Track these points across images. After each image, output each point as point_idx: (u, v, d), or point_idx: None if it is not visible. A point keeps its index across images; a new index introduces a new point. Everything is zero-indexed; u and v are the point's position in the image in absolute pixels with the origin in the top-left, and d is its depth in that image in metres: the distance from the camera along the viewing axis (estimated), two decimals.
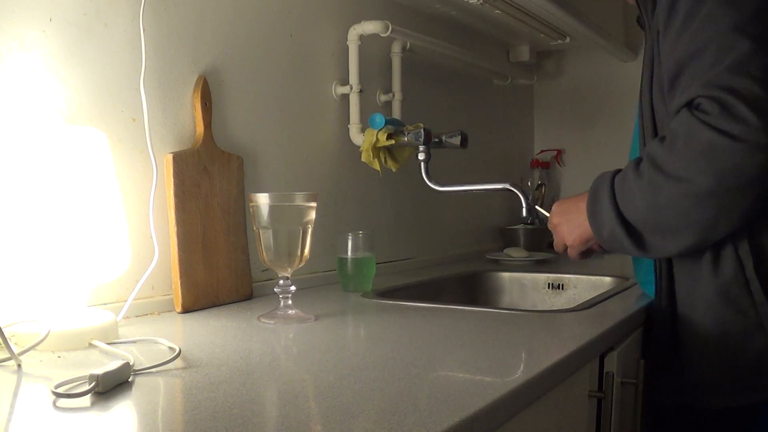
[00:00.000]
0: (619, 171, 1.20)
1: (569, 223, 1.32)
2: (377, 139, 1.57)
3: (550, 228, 1.40)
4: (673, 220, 1.12)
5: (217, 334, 1.05)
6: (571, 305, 1.52)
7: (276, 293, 1.16)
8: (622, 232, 1.17)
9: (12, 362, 0.85)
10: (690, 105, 1.09)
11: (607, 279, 1.74)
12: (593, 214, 1.22)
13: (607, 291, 1.50)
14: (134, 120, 1.19)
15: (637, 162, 1.16)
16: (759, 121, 1.03)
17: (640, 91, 1.29)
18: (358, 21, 1.66)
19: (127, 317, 1.14)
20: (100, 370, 0.74)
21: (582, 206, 1.25)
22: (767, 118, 1.03)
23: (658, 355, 1.27)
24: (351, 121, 1.67)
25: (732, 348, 1.19)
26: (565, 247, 1.36)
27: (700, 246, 1.16)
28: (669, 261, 1.26)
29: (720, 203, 1.08)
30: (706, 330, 1.20)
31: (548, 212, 1.42)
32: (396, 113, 1.80)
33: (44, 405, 0.71)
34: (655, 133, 1.23)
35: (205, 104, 1.30)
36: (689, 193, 1.08)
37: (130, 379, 0.79)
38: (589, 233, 1.25)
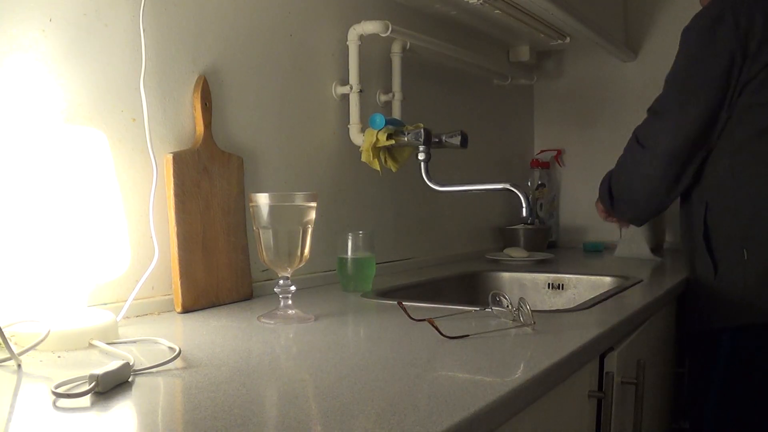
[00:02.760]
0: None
1: (600, 200, 1.96)
2: (377, 139, 1.57)
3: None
4: (634, 184, 1.79)
5: (217, 334, 1.05)
6: (571, 305, 1.52)
7: (276, 293, 1.16)
8: (608, 201, 1.88)
9: (12, 362, 0.85)
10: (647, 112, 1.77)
11: (607, 279, 1.74)
12: (601, 196, 1.91)
13: (607, 291, 1.50)
14: (134, 120, 1.19)
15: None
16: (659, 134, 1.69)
17: None
18: (358, 21, 1.66)
19: (127, 317, 1.14)
20: (100, 370, 0.74)
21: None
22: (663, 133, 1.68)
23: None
24: (351, 121, 1.67)
25: (705, 288, 1.71)
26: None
27: (648, 212, 1.85)
28: (680, 229, 1.85)
29: (628, 199, 1.81)
30: (695, 274, 1.75)
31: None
32: (396, 113, 1.80)
33: (44, 405, 0.71)
34: None
35: (205, 104, 1.30)
36: (646, 181, 1.74)
37: (130, 379, 0.79)
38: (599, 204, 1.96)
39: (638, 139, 1.71)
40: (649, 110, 1.73)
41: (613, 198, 1.81)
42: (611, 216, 1.94)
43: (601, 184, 1.88)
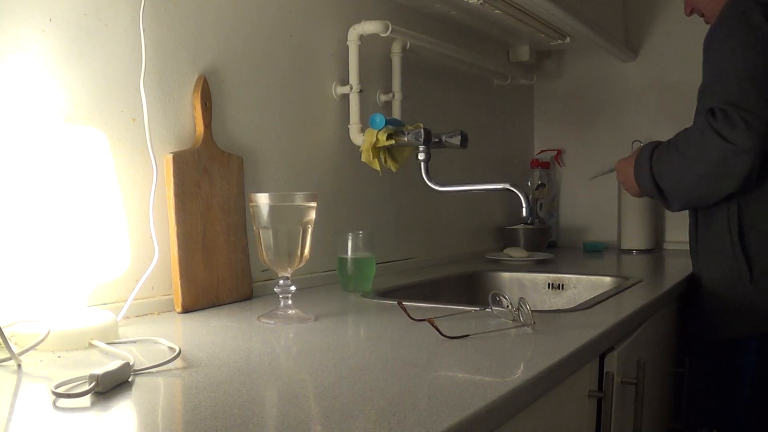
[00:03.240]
0: (658, 144, 1.70)
1: (626, 178, 1.81)
2: (377, 139, 1.57)
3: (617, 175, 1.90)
4: (676, 186, 1.65)
5: (217, 334, 1.05)
6: (571, 305, 1.52)
7: (276, 293, 1.16)
8: (655, 192, 1.71)
9: (12, 362, 0.85)
10: (709, 111, 1.56)
11: (607, 279, 1.74)
12: (638, 174, 1.74)
13: (607, 291, 1.50)
14: (134, 120, 1.19)
15: (668, 142, 1.67)
16: (746, 130, 1.50)
17: None
18: (358, 21, 1.66)
19: (127, 317, 1.14)
20: (100, 370, 0.74)
21: (630, 170, 1.77)
22: (753, 129, 1.50)
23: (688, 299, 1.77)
24: (351, 121, 1.67)
25: (724, 295, 1.68)
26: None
27: (687, 208, 1.75)
28: (696, 230, 1.77)
29: (705, 182, 1.61)
30: (710, 280, 1.71)
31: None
32: (396, 113, 1.80)
33: (44, 405, 0.71)
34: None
35: (205, 104, 1.30)
36: (687, 168, 1.61)
37: (130, 379, 0.79)
38: (632, 183, 1.78)
39: (720, 134, 1.52)
40: (715, 108, 1.55)
41: (662, 190, 1.68)
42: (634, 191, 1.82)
43: (639, 175, 1.73)
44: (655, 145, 1.68)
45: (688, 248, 1.83)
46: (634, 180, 1.75)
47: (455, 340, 0.99)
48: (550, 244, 2.50)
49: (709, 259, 1.73)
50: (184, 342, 0.99)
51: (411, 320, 1.11)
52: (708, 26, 1.72)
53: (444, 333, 1.00)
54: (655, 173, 1.66)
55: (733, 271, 1.65)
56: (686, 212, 1.83)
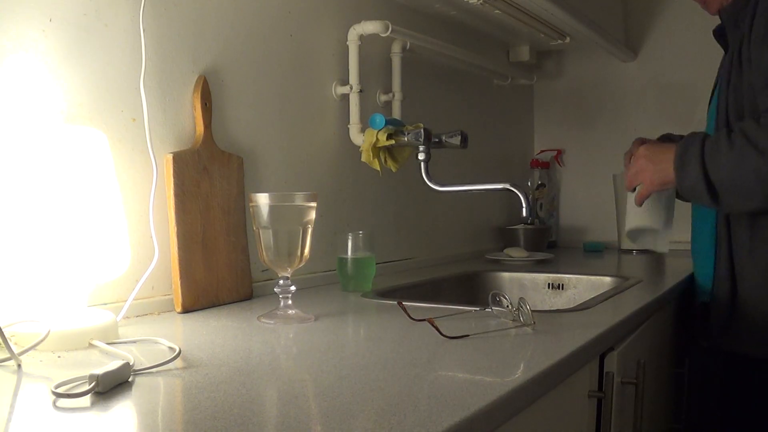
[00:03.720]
0: (708, 135, 1.43)
1: (655, 166, 1.51)
2: (377, 139, 1.57)
3: (630, 164, 1.59)
4: (749, 184, 1.35)
5: (217, 334, 1.05)
6: (571, 305, 1.52)
7: (276, 293, 1.16)
8: (703, 187, 1.40)
9: (12, 362, 0.85)
10: None
11: (607, 279, 1.74)
12: (681, 165, 1.43)
13: (607, 291, 1.50)
14: (134, 120, 1.19)
15: (729, 132, 1.38)
16: None
17: (722, 88, 1.54)
18: (358, 21, 1.66)
19: (127, 317, 1.14)
20: (100, 370, 0.74)
21: (670, 156, 1.46)
22: None
23: (718, 311, 1.56)
24: (351, 121, 1.67)
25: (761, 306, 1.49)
26: (635, 187, 1.59)
27: (762, 209, 1.43)
28: (729, 236, 1.53)
29: None
30: (757, 294, 1.50)
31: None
32: (396, 113, 1.80)
33: (44, 405, 0.71)
34: (731, 121, 1.48)
35: (205, 104, 1.30)
36: (757, 162, 1.33)
37: (130, 379, 0.79)
38: (670, 179, 1.47)
39: None
40: None
41: (715, 188, 1.39)
42: (650, 188, 1.55)
43: (683, 164, 1.43)
44: (704, 137, 1.42)
45: (689, 248, 1.74)
46: (666, 172, 1.46)
47: (455, 340, 0.99)
48: (550, 244, 2.50)
49: (724, 266, 1.55)
50: (184, 342, 0.99)
51: (411, 320, 1.11)
52: (707, 16, 1.63)
53: (444, 333, 1.00)
54: (708, 167, 1.38)
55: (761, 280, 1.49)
56: (689, 213, 1.70)
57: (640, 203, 1.58)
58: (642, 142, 1.63)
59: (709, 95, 1.70)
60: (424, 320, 1.07)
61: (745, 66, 1.45)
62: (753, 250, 1.49)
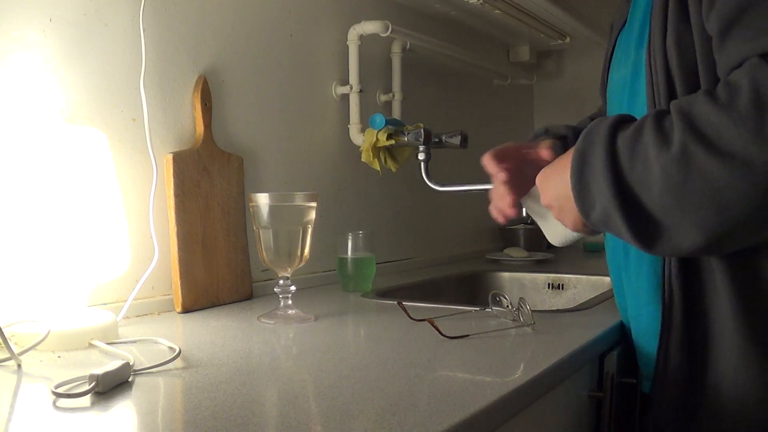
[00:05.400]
0: (622, 122, 0.84)
1: (553, 191, 0.94)
2: (377, 139, 1.57)
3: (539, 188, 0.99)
4: (704, 210, 0.76)
5: (217, 334, 1.05)
6: (571, 305, 1.52)
7: (276, 293, 1.16)
8: (621, 221, 0.81)
9: (12, 362, 0.85)
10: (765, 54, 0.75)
11: (607, 279, 1.74)
12: (581, 187, 0.85)
13: (607, 291, 1.50)
14: (134, 120, 1.19)
15: (660, 117, 0.80)
16: None
17: (649, 50, 0.93)
18: (358, 21, 1.66)
19: (127, 317, 1.14)
20: (100, 370, 0.74)
21: (566, 174, 0.87)
22: None
23: (664, 411, 0.97)
24: (351, 121, 1.67)
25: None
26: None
27: (707, 248, 0.81)
28: (686, 289, 0.92)
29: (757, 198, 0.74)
30: (729, 384, 0.89)
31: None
32: (396, 113, 1.80)
33: (44, 405, 0.71)
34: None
35: (205, 104, 1.30)
36: (745, 176, 0.73)
37: (130, 379, 0.79)
38: (571, 206, 0.89)
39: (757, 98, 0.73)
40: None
41: (640, 218, 0.81)
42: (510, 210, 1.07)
43: (583, 185, 0.85)
44: (613, 128, 0.83)
45: None
46: (563, 203, 0.92)
47: (455, 340, 0.99)
48: (549, 244, 2.50)
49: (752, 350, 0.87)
50: (184, 342, 0.99)
51: (411, 320, 1.11)
52: None
53: (444, 333, 1.00)
54: (630, 182, 0.80)
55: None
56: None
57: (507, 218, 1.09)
58: (496, 154, 1.10)
59: (604, 73, 1.25)
60: (424, 320, 1.07)
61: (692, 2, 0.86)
62: (736, 317, 0.87)
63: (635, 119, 0.84)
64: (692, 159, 0.76)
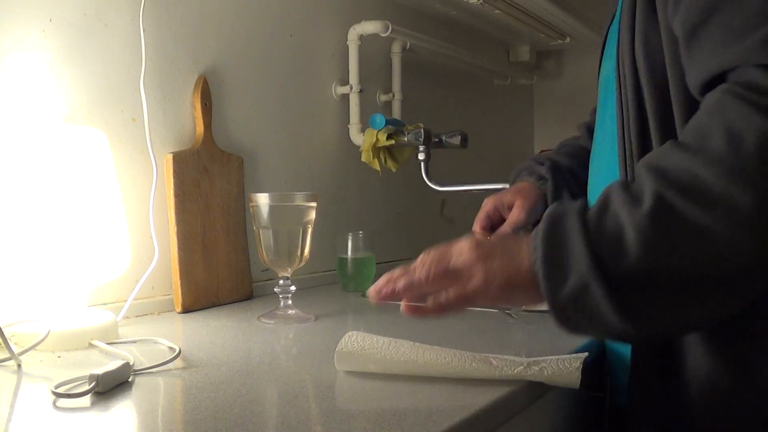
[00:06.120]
0: (585, 206, 0.72)
1: (499, 257, 0.76)
2: (377, 139, 1.57)
3: (453, 264, 0.82)
4: (694, 271, 0.66)
5: (217, 334, 1.05)
6: None
7: (276, 293, 1.16)
8: (597, 288, 0.66)
9: (12, 362, 0.85)
10: (728, 78, 0.70)
11: None
12: (551, 255, 0.70)
13: None
14: (134, 120, 1.19)
15: (625, 183, 0.70)
16: None
17: (618, 61, 0.88)
18: (358, 21, 1.66)
19: (127, 317, 1.14)
20: (100, 370, 0.74)
21: (521, 243, 0.74)
22: None
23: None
24: (351, 121, 1.67)
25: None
26: (461, 299, 0.78)
27: (729, 314, 0.69)
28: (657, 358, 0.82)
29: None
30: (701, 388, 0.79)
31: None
32: (396, 113, 1.80)
33: (44, 405, 0.71)
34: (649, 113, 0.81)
35: (205, 104, 1.30)
36: (730, 219, 0.64)
37: (130, 379, 0.79)
38: (521, 278, 0.72)
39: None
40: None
41: (636, 290, 0.67)
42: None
43: (555, 252, 0.69)
44: (580, 206, 0.71)
45: None
46: (515, 259, 0.74)
47: (455, 338, 0.98)
48: None
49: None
50: (184, 342, 0.99)
51: (411, 320, 1.11)
52: None
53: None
54: (604, 254, 0.67)
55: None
56: None
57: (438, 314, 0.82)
58: (483, 232, 1.11)
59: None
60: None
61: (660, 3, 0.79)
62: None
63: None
64: (670, 210, 0.65)
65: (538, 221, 0.73)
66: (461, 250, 0.82)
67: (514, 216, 1.14)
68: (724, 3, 0.70)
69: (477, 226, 1.17)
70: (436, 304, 0.79)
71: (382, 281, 0.82)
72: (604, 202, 0.69)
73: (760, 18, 0.67)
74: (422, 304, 0.80)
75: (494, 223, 1.17)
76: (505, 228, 1.15)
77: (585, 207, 0.71)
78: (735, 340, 0.77)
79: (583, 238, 0.68)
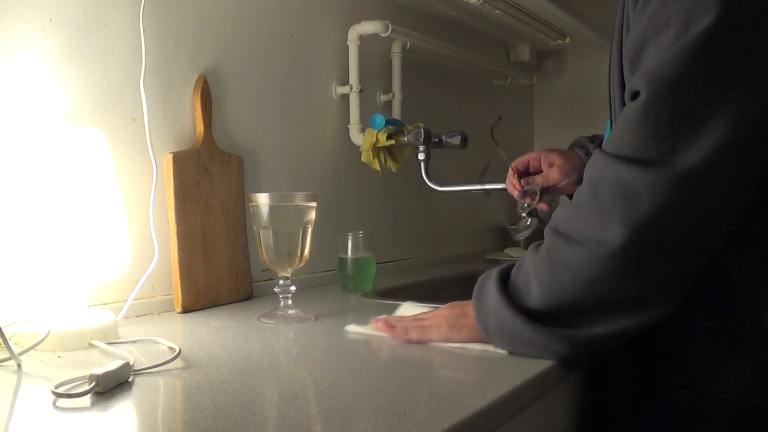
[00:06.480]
0: (506, 269, 0.92)
1: (455, 323, 0.95)
2: (377, 139, 1.57)
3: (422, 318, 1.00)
4: (584, 296, 0.82)
5: (217, 334, 1.05)
6: None
7: (276, 293, 1.16)
8: (510, 315, 0.86)
9: (12, 362, 0.85)
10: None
11: None
12: (478, 304, 0.92)
13: None
14: (134, 120, 1.19)
15: (537, 244, 0.89)
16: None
17: (609, 77, 1.07)
18: (358, 21, 1.66)
19: (127, 317, 1.14)
20: (100, 370, 0.74)
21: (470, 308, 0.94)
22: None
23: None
24: (351, 121, 1.67)
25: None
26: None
27: (635, 330, 0.83)
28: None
29: (639, 263, 0.79)
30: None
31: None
32: (396, 113, 1.80)
33: (44, 405, 0.71)
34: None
35: (205, 104, 1.30)
36: (598, 257, 0.79)
37: (130, 379, 0.79)
38: (474, 333, 0.92)
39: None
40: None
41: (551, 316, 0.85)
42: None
43: (480, 300, 0.92)
44: (507, 265, 0.93)
45: None
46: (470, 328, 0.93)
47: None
48: None
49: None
50: (184, 342, 0.99)
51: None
52: None
53: None
54: (520, 293, 0.87)
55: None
56: None
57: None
58: (517, 171, 1.32)
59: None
60: None
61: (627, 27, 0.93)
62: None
63: None
64: (556, 254, 0.84)
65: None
66: (434, 316, 0.99)
67: (551, 174, 1.32)
68: (650, 40, 0.82)
69: (514, 164, 1.33)
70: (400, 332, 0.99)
71: (383, 323, 1.01)
72: (521, 261, 0.90)
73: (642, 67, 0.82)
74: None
75: (531, 170, 1.34)
76: (537, 180, 1.32)
77: (505, 268, 0.92)
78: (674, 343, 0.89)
79: (497, 286, 0.89)
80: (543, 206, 1.34)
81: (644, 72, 0.80)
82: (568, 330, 0.84)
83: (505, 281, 0.90)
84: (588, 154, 1.32)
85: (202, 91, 1.30)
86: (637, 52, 0.84)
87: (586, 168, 0.86)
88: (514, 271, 0.90)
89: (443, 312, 0.97)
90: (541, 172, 1.34)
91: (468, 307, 0.94)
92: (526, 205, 1.33)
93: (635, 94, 0.81)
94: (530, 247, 0.90)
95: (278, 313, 1.15)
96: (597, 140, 1.37)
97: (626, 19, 0.92)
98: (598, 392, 1.09)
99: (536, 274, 0.85)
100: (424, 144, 1.60)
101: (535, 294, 0.85)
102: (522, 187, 1.31)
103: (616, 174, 0.79)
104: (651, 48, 0.82)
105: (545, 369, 0.85)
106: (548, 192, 1.33)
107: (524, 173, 1.34)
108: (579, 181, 0.87)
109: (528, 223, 1.72)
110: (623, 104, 0.89)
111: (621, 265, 0.79)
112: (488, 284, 0.91)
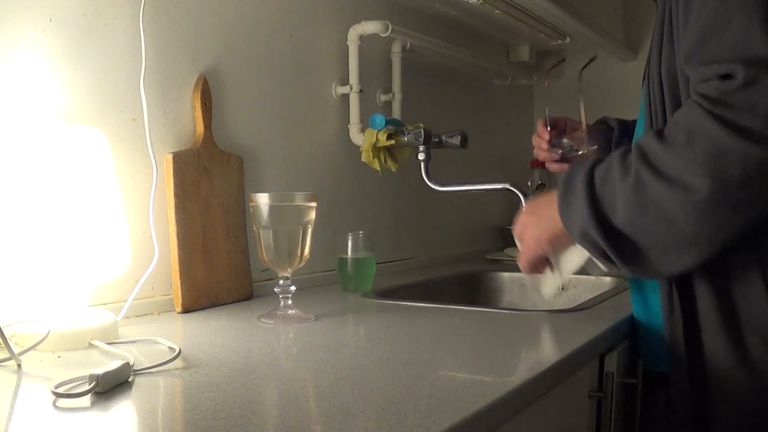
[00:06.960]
0: (599, 161, 1.00)
1: (538, 219, 1.08)
2: (377, 139, 1.57)
3: (516, 235, 1.15)
4: (661, 232, 0.92)
5: (217, 334, 1.05)
6: (571, 305, 1.52)
7: (276, 293, 1.16)
8: (596, 233, 0.96)
9: (12, 362, 0.85)
10: (700, 96, 0.90)
11: (607, 279, 1.74)
12: (565, 204, 1.01)
13: (607, 291, 1.50)
14: (134, 120, 1.19)
15: (625, 153, 0.96)
16: None
17: (648, 66, 1.14)
18: (358, 21, 1.66)
19: (127, 317, 1.14)
20: (100, 370, 0.74)
21: (554, 198, 1.03)
22: None
23: (678, 403, 1.06)
24: (351, 121, 1.67)
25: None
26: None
27: (695, 265, 0.95)
28: (686, 284, 1.02)
29: (721, 216, 0.89)
30: (736, 375, 0.98)
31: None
32: (396, 113, 1.80)
33: (44, 405, 0.71)
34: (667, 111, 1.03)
35: (205, 104, 1.30)
36: (684, 200, 0.89)
37: (130, 379, 0.79)
38: (559, 229, 1.03)
39: (732, 124, 0.86)
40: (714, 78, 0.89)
41: (626, 240, 0.96)
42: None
43: (567, 202, 1.02)
44: (595, 162, 1.01)
45: None
46: (552, 221, 1.05)
47: (453, 339, 0.98)
48: None
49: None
50: (184, 342, 0.99)
51: (411, 320, 1.11)
52: None
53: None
54: (601, 201, 0.97)
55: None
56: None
57: (529, 271, 1.15)
58: (545, 123, 1.39)
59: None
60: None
61: (675, 20, 0.99)
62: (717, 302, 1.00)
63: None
64: (645, 185, 0.92)
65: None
66: (517, 224, 1.15)
67: (577, 136, 1.40)
68: (709, 38, 0.90)
69: (543, 120, 1.42)
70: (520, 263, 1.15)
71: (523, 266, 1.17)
72: (609, 167, 0.97)
73: (721, 52, 0.89)
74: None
75: (559, 128, 1.42)
76: (566, 134, 1.42)
77: (594, 165, 0.99)
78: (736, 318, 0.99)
79: (586, 191, 0.98)
80: (556, 167, 1.45)
81: (728, 54, 0.88)
82: (638, 258, 0.95)
83: (591, 184, 0.98)
84: (610, 129, 1.42)
85: (202, 91, 1.30)
86: (701, 42, 0.91)
87: (677, 112, 0.94)
88: (599, 178, 0.97)
89: (525, 216, 1.12)
90: (566, 131, 1.43)
91: (548, 209, 1.05)
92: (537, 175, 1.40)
93: (726, 76, 0.87)
94: (617, 156, 0.97)
95: (278, 313, 1.15)
96: (618, 121, 1.45)
97: (668, 18, 1.01)
98: (598, 392, 1.09)
99: (623, 194, 0.94)
100: (424, 144, 1.60)
101: (619, 212, 0.95)
102: (551, 138, 1.40)
103: (717, 135, 0.86)
104: (720, 35, 0.89)
105: (545, 369, 0.85)
106: (567, 160, 1.42)
107: (553, 126, 1.42)
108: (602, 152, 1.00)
109: None
110: (687, 95, 0.97)
111: (699, 213, 0.89)
112: (575, 189, 0.99)
